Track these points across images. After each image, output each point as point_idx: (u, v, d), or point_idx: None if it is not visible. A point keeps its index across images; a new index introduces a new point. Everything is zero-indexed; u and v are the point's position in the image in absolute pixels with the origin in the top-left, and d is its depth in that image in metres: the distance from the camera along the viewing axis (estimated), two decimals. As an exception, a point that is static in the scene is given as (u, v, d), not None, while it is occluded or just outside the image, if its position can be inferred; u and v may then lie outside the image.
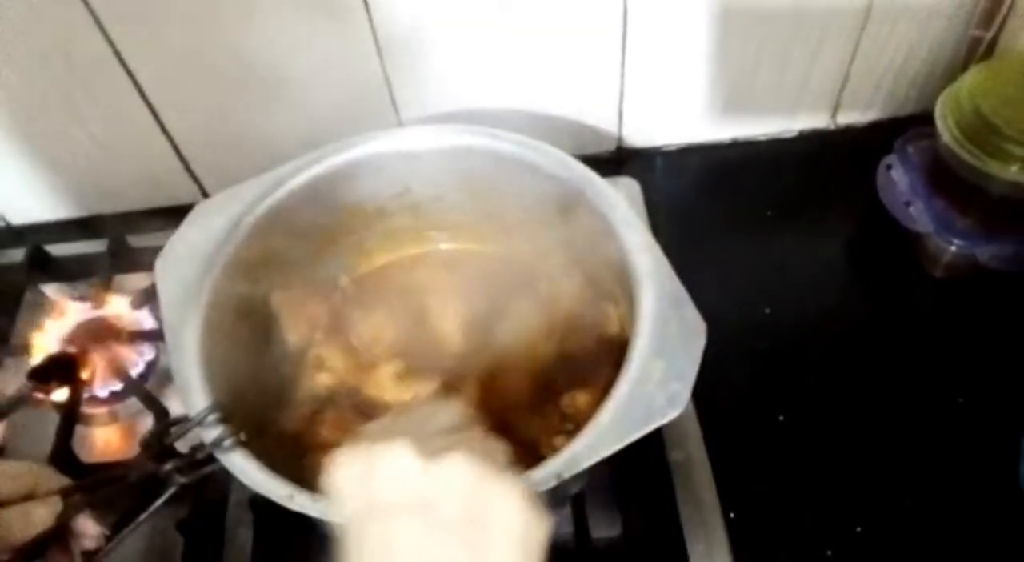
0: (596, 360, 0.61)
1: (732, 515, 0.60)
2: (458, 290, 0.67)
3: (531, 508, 0.38)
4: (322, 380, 0.60)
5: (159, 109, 0.74)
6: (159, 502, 0.45)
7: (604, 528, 0.60)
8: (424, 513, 0.37)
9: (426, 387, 0.61)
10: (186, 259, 0.57)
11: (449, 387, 0.61)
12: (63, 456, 0.63)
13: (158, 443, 0.47)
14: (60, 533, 0.44)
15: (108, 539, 0.45)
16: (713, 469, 0.62)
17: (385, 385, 0.62)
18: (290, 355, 0.61)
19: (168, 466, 0.46)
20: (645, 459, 0.61)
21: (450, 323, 0.66)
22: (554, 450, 0.47)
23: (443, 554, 0.37)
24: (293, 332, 0.62)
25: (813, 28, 0.73)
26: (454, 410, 0.44)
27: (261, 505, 0.61)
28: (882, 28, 0.74)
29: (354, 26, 0.69)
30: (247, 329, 0.58)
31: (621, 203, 0.57)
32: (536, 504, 0.38)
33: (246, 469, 0.47)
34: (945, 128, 0.66)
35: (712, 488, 0.61)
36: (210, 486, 0.60)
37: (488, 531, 0.37)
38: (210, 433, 0.48)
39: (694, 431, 0.63)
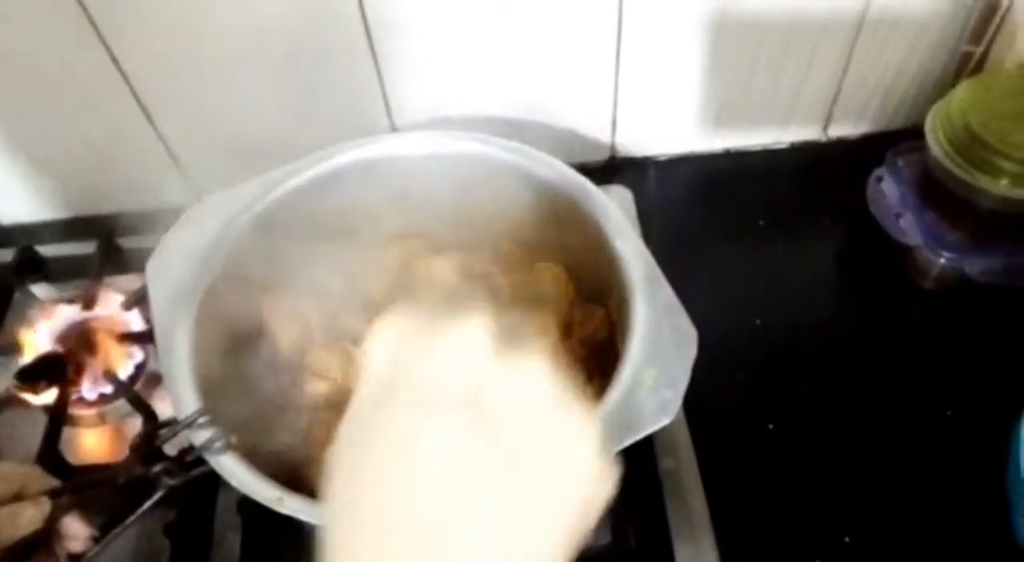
0: (586, 366, 0.61)
1: (721, 523, 0.60)
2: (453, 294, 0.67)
3: (603, 459, 0.30)
4: (318, 386, 0.59)
5: (152, 111, 0.74)
6: (148, 504, 0.45)
7: (593, 536, 0.59)
8: (479, 410, 0.28)
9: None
10: (178, 261, 0.57)
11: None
12: (50, 457, 0.63)
13: (147, 445, 0.46)
14: (47, 535, 0.44)
15: (96, 541, 0.44)
16: (703, 477, 0.62)
17: None
18: (283, 362, 0.61)
19: (157, 468, 0.46)
20: (635, 467, 0.61)
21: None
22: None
23: (487, 469, 0.28)
24: (285, 339, 0.62)
25: (806, 41, 0.74)
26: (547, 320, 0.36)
27: (249, 509, 0.60)
28: (874, 42, 0.74)
29: (348, 29, 0.69)
30: (239, 333, 0.58)
31: (614, 211, 0.57)
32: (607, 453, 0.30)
33: (235, 472, 0.47)
34: (935, 142, 0.66)
35: (702, 496, 0.61)
36: (198, 489, 0.60)
37: (551, 459, 0.29)
38: (200, 436, 0.47)
39: (684, 439, 0.63)
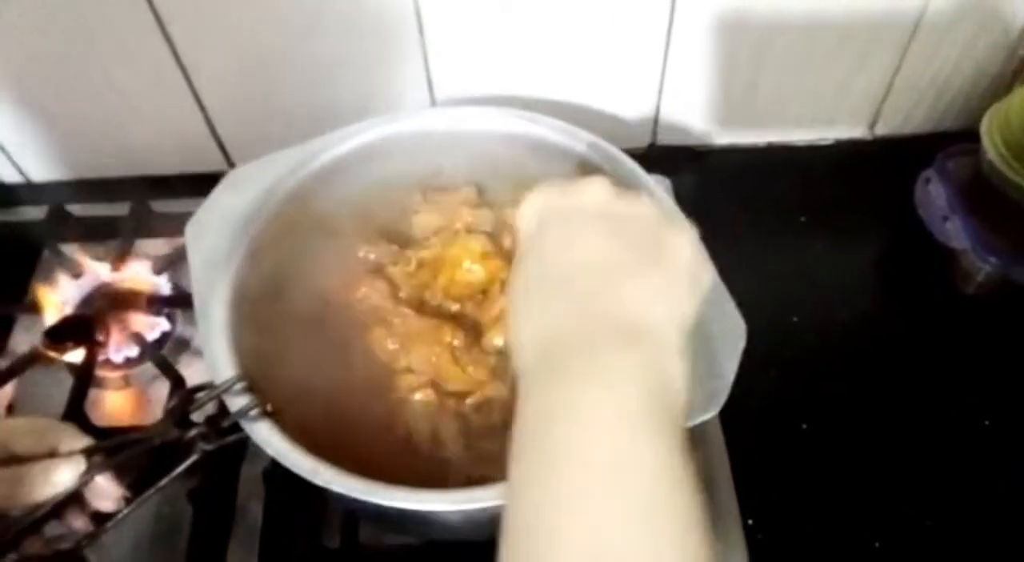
0: None
1: (750, 521, 0.59)
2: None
3: (701, 252, 0.42)
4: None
5: (192, 74, 0.73)
6: (182, 467, 0.44)
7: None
8: (607, 220, 0.41)
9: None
10: (217, 225, 0.56)
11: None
12: (76, 418, 0.62)
13: (183, 408, 0.46)
14: (79, 493, 0.43)
15: (128, 502, 0.44)
16: (733, 474, 0.61)
17: None
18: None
19: (192, 433, 0.45)
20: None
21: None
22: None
23: (623, 250, 0.39)
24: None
25: (860, 38, 0.72)
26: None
27: (274, 479, 0.60)
28: (929, 42, 0.73)
29: (398, 2, 0.68)
30: (276, 300, 0.57)
31: (663, 197, 0.56)
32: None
33: (271, 440, 0.46)
34: (991, 145, 0.65)
35: (732, 492, 0.60)
36: (224, 457, 0.59)
37: (665, 251, 0.40)
38: (236, 402, 0.47)
39: (716, 433, 0.62)
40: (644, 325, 0.37)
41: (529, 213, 0.44)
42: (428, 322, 0.59)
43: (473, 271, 0.61)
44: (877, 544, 0.59)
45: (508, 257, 0.62)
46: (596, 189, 0.43)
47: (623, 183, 0.56)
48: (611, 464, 0.32)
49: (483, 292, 0.62)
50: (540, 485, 0.32)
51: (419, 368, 0.58)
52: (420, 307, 0.61)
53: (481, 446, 0.55)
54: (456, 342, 0.58)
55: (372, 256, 0.63)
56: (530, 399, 0.35)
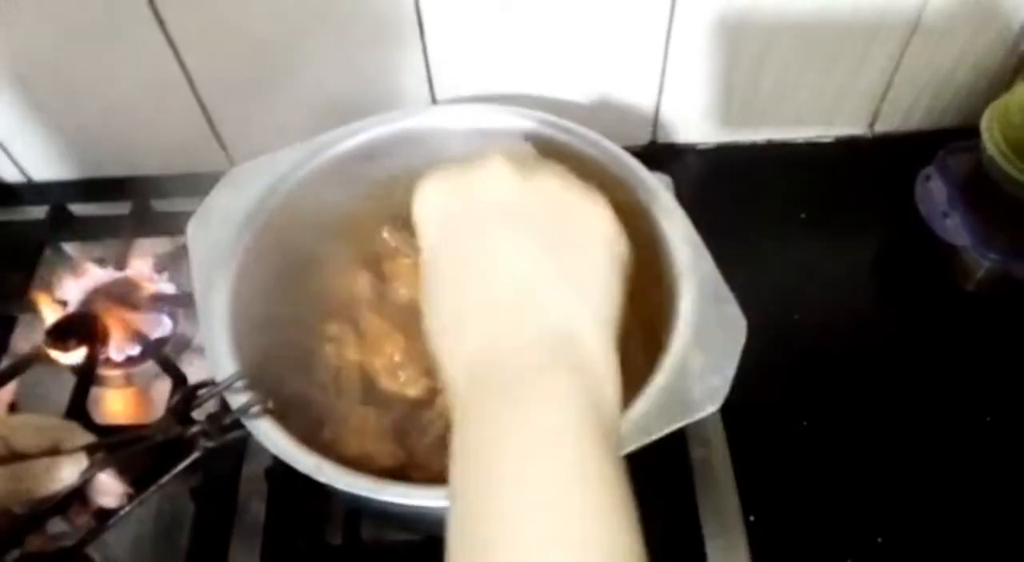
0: None
1: (752, 518, 0.59)
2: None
3: (617, 224, 0.40)
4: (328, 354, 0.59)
5: (193, 72, 0.73)
6: (184, 464, 0.44)
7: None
8: (514, 221, 0.38)
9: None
10: (219, 222, 0.56)
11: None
12: (78, 416, 0.62)
13: (185, 406, 0.46)
14: (81, 490, 0.43)
15: (130, 498, 0.44)
16: (735, 470, 0.61)
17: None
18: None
19: (194, 430, 0.45)
20: (667, 455, 0.60)
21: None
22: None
23: (529, 258, 0.37)
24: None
25: (860, 35, 0.72)
26: (528, 149, 0.47)
27: (276, 476, 0.60)
28: (929, 39, 0.73)
29: (399, 1, 0.68)
30: (277, 298, 0.57)
31: (664, 194, 0.56)
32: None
33: (273, 437, 0.46)
34: (991, 141, 0.65)
35: (734, 488, 0.60)
36: (226, 454, 0.59)
37: (575, 242, 0.38)
38: (237, 399, 0.47)
39: (717, 429, 0.62)
40: (571, 332, 0.36)
41: (427, 209, 0.41)
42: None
43: None
44: (880, 540, 0.59)
45: None
46: (497, 171, 0.39)
47: (619, 191, 0.57)
48: (549, 481, 0.32)
49: None
50: (480, 502, 0.33)
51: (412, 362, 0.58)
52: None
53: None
54: None
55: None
56: (465, 422, 0.35)
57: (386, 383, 0.59)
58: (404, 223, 0.64)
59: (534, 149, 0.46)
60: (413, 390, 0.58)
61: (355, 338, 0.62)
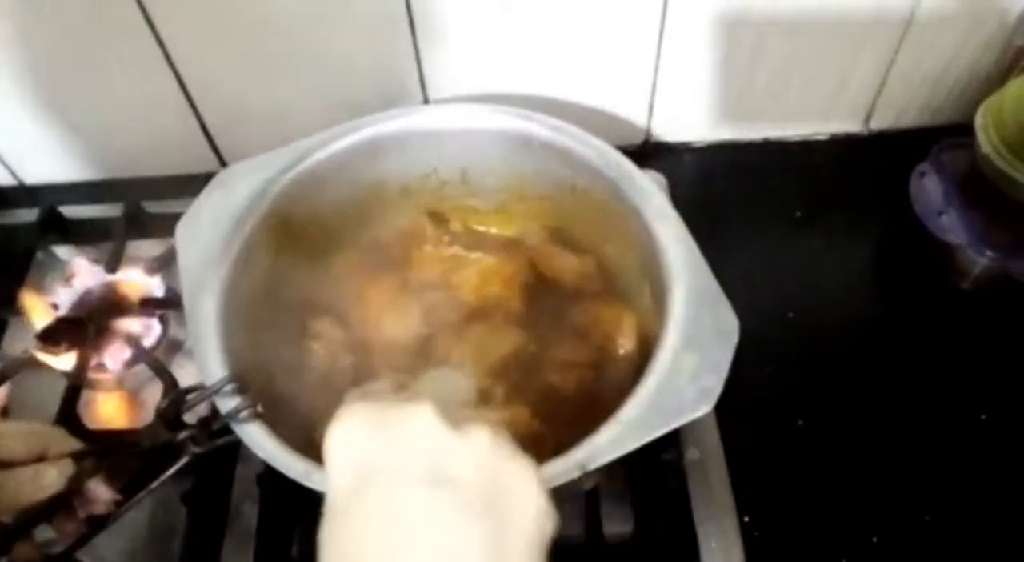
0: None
1: (746, 518, 0.59)
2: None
3: (547, 498, 0.35)
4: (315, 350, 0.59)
5: (184, 76, 0.72)
6: (172, 470, 0.44)
7: (616, 525, 0.59)
8: (440, 486, 0.34)
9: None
10: (208, 224, 0.56)
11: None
12: (68, 421, 0.62)
13: (174, 411, 0.45)
14: (69, 497, 0.43)
15: (118, 505, 0.43)
16: (729, 471, 0.61)
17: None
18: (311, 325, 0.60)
19: (183, 435, 0.45)
20: (661, 456, 0.60)
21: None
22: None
23: (452, 531, 0.33)
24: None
25: (854, 33, 0.72)
26: (468, 382, 0.42)
27: (269, 481, 0.60)
28: (923, 36, 0.72)
29: (389, 1, 0.68)
30: (266, 299, 0.57)
31: (656, 194, 0.56)
32: (549, 496, 0.36)
33: (262, 442, 0.46)
34: (985, 138, 0.64)
35: (728, 489, 0.60)
36: (217, 459, 0.59)
37: (504, 514, 0.34)
38: (227, 403, 0.46)
39: (711, 431, 0.62)
40: None
41: (341, 450, 0.36)
42: None
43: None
44: (875, 539, 0.59)
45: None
46: (421, 428, 0.35)
47: (613, 192, 0.57)
48: None
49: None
50: None
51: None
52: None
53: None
54: None
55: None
56: None
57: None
58: (441, 219, 0.67)
59: (472, 389, 0.43)
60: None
61: (344, 335, 0.62)
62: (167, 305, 0.70)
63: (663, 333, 0.49)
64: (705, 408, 0.45)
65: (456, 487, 0.34)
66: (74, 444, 0.44)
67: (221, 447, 0.46)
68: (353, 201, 0.64)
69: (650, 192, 0.56)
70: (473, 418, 0.36)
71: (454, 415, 0.36)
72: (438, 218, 0.68)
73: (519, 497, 0.35)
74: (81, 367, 0.65)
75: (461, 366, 0.48)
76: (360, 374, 0.59)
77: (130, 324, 0.69)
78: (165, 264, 0.72)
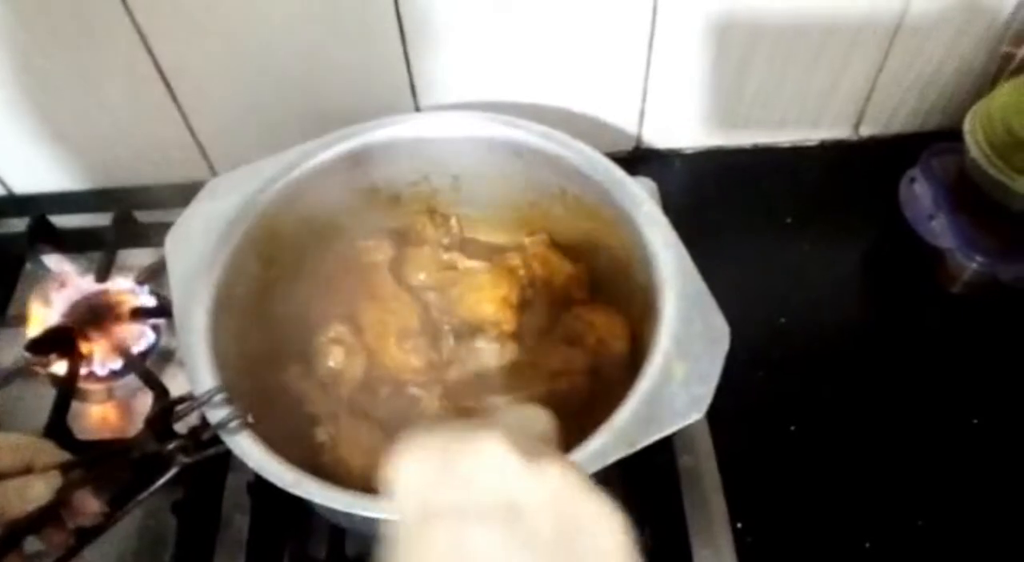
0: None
1: (739, 524, 0.59)
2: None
3: (631, 539, 0.32)
4: (335, 354, 0.59)
5: (174, 83, 0.72)
6: (162, 481, 0.44)
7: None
8: (511, 523, 0.31)
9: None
10: (198, 234, 0.55)
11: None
12: (58, 431, 0.62)
13: (163, 421, 0.45)
14: (57, 509, 0.42)
15: (107, 516, 0.43)
16: (722, 477, 0.60)
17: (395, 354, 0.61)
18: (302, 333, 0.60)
19: (172, 445, 0.44)
20: (653, 463, 0.60)
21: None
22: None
23: None
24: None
25: (842, 39, 0.72)
26: (548, 418, 0.39)
27: (260, 490, 0.59)
28: (912, 42, 0.73)
29: (378, 8, 0.68)
30: (258, 308, 0.57)
31: (646, 201, 0.56)
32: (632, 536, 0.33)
33: (251, 452, 0.46)
34: (974, 143, 0.65)
35: (720, 495, 0.59)
36: (207, 469, 0.58)
37: (580, 554, 0.31)
38: (216, 413, 0.46)
39: (704, 436, 0.62)
40: None
41: (405, 486, 0.34)
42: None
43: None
44: (868, 545, 0.59)
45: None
46: (493, 456, 0.32)
47: (603, 199, 0.57)
48: None
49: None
50: None
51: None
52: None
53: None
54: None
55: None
56: None
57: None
58: (442, 219, 0.67)
59: (553, 426, 0.39)
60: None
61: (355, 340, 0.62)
62: (158, 314, 0.70)
63: (654, 339, 0.49)
64: (696, 415, 0.45)
65: (528, 524, 0.31)
66: (62, 455, 0.44)
67: (211, 457, 0.46)
68: (344, 209, 0.64)
69: (640, 198, 0.56)
70: (549, 453, 0.33)
71: (529, 448, 0.33)
72: (439, 218, 0.68)
73: (598, 536, 0.32)
74: (71, 377, 0.64)
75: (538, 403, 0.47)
76: (371, 379, 0.60)
77: (121, 334, 0.68)
78: (156, 273, 0.71)
